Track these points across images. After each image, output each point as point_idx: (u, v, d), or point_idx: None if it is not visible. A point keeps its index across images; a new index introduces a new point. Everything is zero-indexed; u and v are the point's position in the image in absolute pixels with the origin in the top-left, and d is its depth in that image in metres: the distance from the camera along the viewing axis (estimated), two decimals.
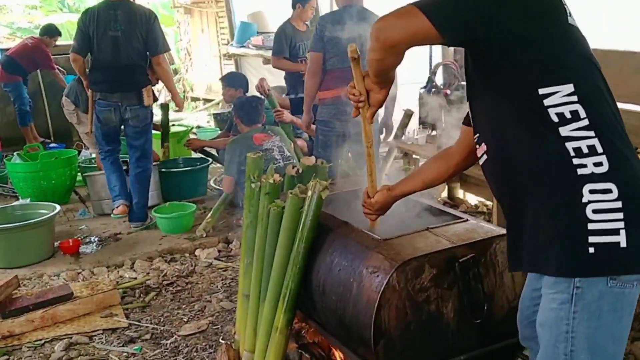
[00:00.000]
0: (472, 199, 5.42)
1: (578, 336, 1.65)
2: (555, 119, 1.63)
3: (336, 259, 2.44)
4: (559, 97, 1.63)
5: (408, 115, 5.11)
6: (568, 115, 1.62)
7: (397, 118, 5.31)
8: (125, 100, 4.81)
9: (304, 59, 5.76)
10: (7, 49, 8.35)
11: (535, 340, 1.97)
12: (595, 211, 1.59)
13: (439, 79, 5.29)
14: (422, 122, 5.22)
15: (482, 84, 1.78)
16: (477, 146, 1.85)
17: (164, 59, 4.80)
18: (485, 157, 1.82)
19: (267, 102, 5.46)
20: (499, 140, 1.75)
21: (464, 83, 5.12)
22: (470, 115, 1.91)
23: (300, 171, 3.08)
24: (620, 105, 3.47)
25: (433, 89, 5.14)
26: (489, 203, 5.11)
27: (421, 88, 5.27)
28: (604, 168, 1.60)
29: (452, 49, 5.17)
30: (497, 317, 2.39)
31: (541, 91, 1.63)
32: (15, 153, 6.17)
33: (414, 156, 5.20)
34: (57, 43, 8.27)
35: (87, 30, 4.76)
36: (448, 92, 5.18)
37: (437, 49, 5.23)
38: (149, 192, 5.37)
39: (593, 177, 1.60)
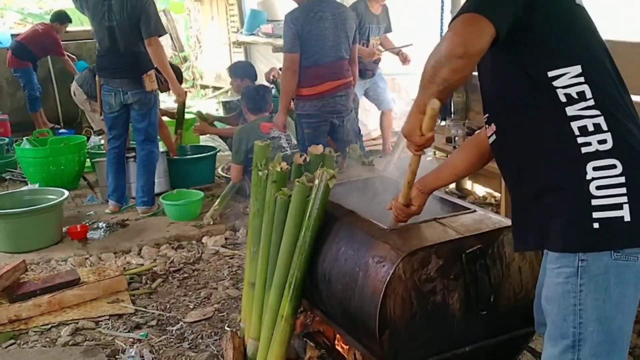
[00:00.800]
0: (480, 190, 5.39)
1: (586, 308, 1.68)
2: (563, 99, 1.67)
3: (342, 248, 2.43)
4: (568, 79, 1.66)
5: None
6: (575, 96, 1.66)
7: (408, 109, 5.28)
8: (125, 85, 4.82)
9: (365, 42, 5.67)
10: (17, 35, 8.36)
11: None
12: (599, 187, 1.63)
13: None
14: None
15: (493, 67, 1.79)
16: (487, 126, 1.91)
17: (155, 41, 4.71)
18: (494, 137, 1.87)
19: (275, 90, 5.44)
20: (507, 120, 1.81)
21: (474, 73, 5.10)
22: (481, 97, 1.93)
23: (307, 159, 3.06)
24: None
25: None
26: (497, 194, 5.08)
27: None
28: (608, 145, 1.64)
29: None
30: (504, 309, 2.37)
31: (550, 73, 1.67)
32: (24, 138, 6.19)
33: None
34: (68, 29, 8.28)
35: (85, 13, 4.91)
36: None
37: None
38: (158, 179, 5.40)
39: (597, 154, 1.64)
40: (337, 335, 2.76)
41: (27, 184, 5.73)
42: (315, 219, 2.50)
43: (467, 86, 5.15)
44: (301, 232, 2.54)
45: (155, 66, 4.84)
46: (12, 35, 8.54)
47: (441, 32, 5.18)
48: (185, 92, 5.53)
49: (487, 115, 1.91)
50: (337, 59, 4.40)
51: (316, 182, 2.50)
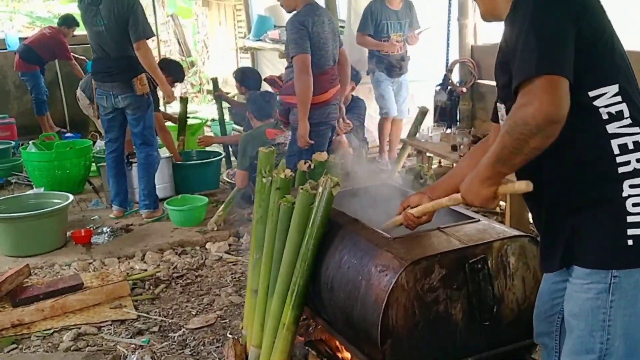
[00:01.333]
0: None
1: (614, 324, 1.69)
2: (605, 117, 1.67)
3: (345, 256, 2.42)
4: (607, 98, 1.67)
5: (423, 112, 5.08)
6: (614, 114, 1.67)
7: (412, 116, 5.28)
8: (115, 89, 4.83)
9: (386, 39, 5.69)
10: (25, 38, 8.40)
11: (550, 335, 2.02)
12: (635, 204, 1.64)
13: (455, 77, 5.25)
14: (437, 120, 5.18)
15: None
16: None
17: (143, 45, 4.67)
18: None
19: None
20: None
21: (480, 81, 5.09)
22: (506, 113, 1.87)
23: (311, 166, 3.06)
24: None
25: (449, 87, 5.10)
26: (501, 203, 5.06)
27: (437, 85, 5.23)
28: None
29: (470, 47, 5.12)
30: (506, 320, 2.35)
31: (591, 93, 1.68)
32: (31, 142, 6.21)
33: (427, 154, 5.15)
34: (76, 33, 8.31)
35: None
36: (464, 89, 5.14)
37: (454, 46, 5.19)
38: (163, 184, 5.42)
39: (635, 172, 1.65)
40: (339, 344, 2.74)
41: (32, 188, 5.74)
42: (318, 227, 2.49)
43: (474, 94, 5.15)
44: (304, 240, 2.53)
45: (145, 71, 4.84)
46: (20, 39, 8.59)
47: (448, 34, 5.15)
48: (185, 95, 5.49)
49: None
50: (334, 65, 4.36)
51: (320, 189, 2.49)
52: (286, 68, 4.47)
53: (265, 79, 6.24)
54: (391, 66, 5.66)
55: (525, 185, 1.73)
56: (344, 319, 2.41)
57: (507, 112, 1.83)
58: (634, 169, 1.65)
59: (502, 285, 2.33)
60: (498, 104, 1.97)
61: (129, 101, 4.82)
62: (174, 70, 5.86)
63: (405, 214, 2.26)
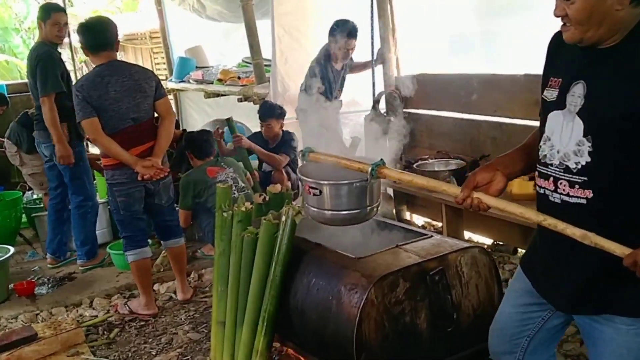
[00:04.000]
0: (418, 220, 5.64)
1: None
2: None
3: (313, 279, 2.57)
4: None
5: (356, 142, 5.31)
6: None
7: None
8: (41, 137, 4.86)
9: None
10: None
11: (514, 355, 2.14)
12: None
13: (382, 107, 5.51)
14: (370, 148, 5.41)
15: (627, 143, 1.70)
16: (576, 189, 1.78)
17: (44, 101, 4.63)
18: (581, 200, 1.77)
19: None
20: (621, 189, 1.73)
21: (406, 110, 5.38)
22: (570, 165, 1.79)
23: (266, 199, 3.19)
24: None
25: (377, 117, 5.36)
26: (435, 223, 5.34)
27: (366, 115, 5.48)
28: None
29: (394, 77, 5.42)
30: (465, 325, 2.56)
31: None
32: None
33: None
34: None
35: None
36: (392, 118, 5.41)
37: (379, 77, 5.46)
38: (101, 230, 5.39)
39: None
40: None
41: None
42: (284, 254, 2.63)
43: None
44: (271, 268, 2.66)
45: (73, 119, 4.80)
46: None
47: (373, 67, 5.41)
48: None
49: (579, 180, 1.77)
50: (134, 124, 3.93)
51: (283, 218, 2.64)
52: None
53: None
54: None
55: None
56: (317, 340, 2.55)
57: (593, 147, 1.73)
58: None
59: (459, 294, 2.54)
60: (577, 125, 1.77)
61: (50, 150, 4.80)
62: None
63: (473, 200, 1.93)
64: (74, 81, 4.87)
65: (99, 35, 3.88)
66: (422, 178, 2.13)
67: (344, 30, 5.31)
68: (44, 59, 4.68)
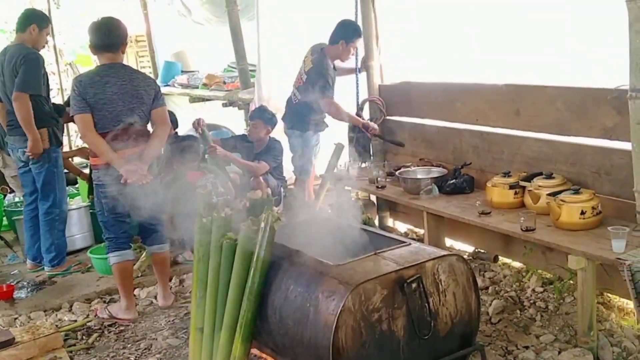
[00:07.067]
0: (401, 226, 5.66)
1: None
2: None
3: (291, 285, 2.57)
4: None
5: (339, 149, 5.32)
6: None
7: (328, 153, 5.49)
8: (17, 142, 4.81)
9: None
10: None
11: None
12: None
13: (365, 114, 5.54)
14: (352, 155, 5.43)
15: None
16: None
17: (18, 97, 4.57)
18: None
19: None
20: None
21: (388, 117, 5.41)
22: None
23: (246, 204, 3.19)
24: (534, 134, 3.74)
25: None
26: (417, 230, 5.36)
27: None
28: None
29: (377, 86, 5.44)
30: (443, 333, 2.58)
31: None
32: None
33: (346, 188, 5.39)
34: None
35: None
36: (375, 126, 5.44)
37: (363, 85, 5.49)
38: (82, 233, 5.38)
39: None
40: None
41: None
42: (263, 261, 2.63)
43: (384, 130, 5.46)
44: (250, 274, 2.66)
45: (53, 124, 4.80)
46: None
47: (357, 75, 5.43)
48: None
49: None
50: (125, 127, 3.94)
51: (262, 224, 2.64)
52: None
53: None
54: (322, 124, 5.62)
55: None
56: (294, 346, 2.55)
57: None
58: None
59: (437, 301, 2.55)
60: None
61: (26, 155, 4.76)
62: None
63: None
64: (52, 85, 4.84)
65: (105, 36, 3.91)
66: None
67: (358, 29, 5.31)
68: (31, 59, 4.65)
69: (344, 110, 5.32)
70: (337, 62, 5.55)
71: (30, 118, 4.60)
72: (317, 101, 5.30)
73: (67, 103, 4.94)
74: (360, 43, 5.35)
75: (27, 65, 4.62)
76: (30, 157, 4.76)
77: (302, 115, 5.46)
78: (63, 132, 5.85)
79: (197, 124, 5.54)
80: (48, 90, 4.95)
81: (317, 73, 5.29)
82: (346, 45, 5.27)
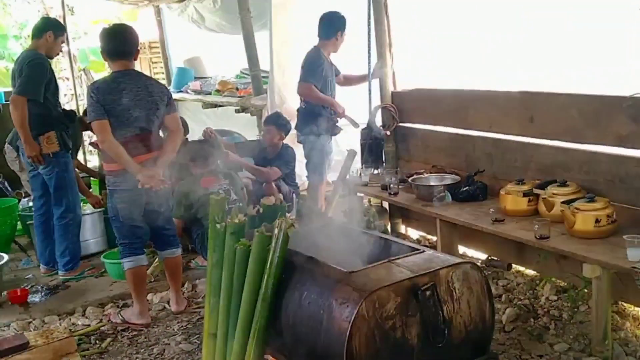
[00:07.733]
0: (413, 233, 5.65)
1: None
2: None
3: (305, 292, 2.57)
4: None
5: (352, 155, 5.32)
6: None
7: (341, 158, 5.50)
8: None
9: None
10: None
11: None
12: None
13: (378, 121, 5.54)
14: (365, 162, 5.43)
15: None
16: None
17: (14, 99, 4.63)
18: None
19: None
20: None
21: (401, 124, 5.41)
22: None
23: (260, 210, 3.20)
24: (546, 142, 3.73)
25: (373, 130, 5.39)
26: (429, 237, 5.35)
27: (362, 129, 5.51)
28: None
29: (390, 93, 5.44)
30: (456, 341, 2.57)
31: None
32: None
33: (358, 194, 5.39)
34: None
35: None
36: (388, 132, 5.44)
37: (376, 92, 5.49)
38: (94, 239, 5.43)
39: None
40: None
41: None
42: (276, 267, 2.64)
43: (396, 137, 5.46)
44: (263, 280, 2.66)
45: (61, 128, 4.84)
46: None
47: (369, 82, 5.44)
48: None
49: None
50: (141, 133, 3.98)
51: (276, 231, 2.65)
52: None
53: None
54: (334, 127, 5.63)
55: None
56: (307, 353, 2.55)
57: None
58: None
59: (451, 309, 2.54)
60: None
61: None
62: None
63: None
64: (61, 91, 4.87)
65: (118, 43, 3.95)
66: None
67: (344, 16, 5.53)
68: (35, 65, 4.70)
69: (320, 94, 5.47)
70: (347, 73, 5.67)
71: (24, 121, 4.64)
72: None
73: (85, 113, 4.98)
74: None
75: (30, 70, 4.68)
76: (30, 161, 4.82)
77: (314, 117, 5.51)
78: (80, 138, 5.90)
79: (208, 134, 5.59)
80: (57, 95, 4.98)
81: (304, 65, 5.51)
82: (342, 35, 5.50)
